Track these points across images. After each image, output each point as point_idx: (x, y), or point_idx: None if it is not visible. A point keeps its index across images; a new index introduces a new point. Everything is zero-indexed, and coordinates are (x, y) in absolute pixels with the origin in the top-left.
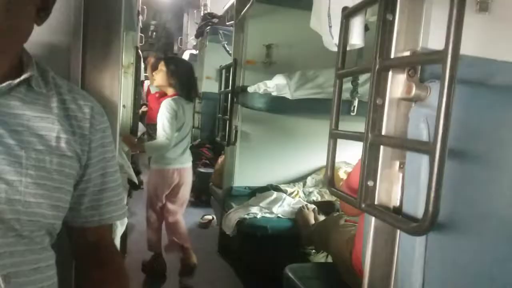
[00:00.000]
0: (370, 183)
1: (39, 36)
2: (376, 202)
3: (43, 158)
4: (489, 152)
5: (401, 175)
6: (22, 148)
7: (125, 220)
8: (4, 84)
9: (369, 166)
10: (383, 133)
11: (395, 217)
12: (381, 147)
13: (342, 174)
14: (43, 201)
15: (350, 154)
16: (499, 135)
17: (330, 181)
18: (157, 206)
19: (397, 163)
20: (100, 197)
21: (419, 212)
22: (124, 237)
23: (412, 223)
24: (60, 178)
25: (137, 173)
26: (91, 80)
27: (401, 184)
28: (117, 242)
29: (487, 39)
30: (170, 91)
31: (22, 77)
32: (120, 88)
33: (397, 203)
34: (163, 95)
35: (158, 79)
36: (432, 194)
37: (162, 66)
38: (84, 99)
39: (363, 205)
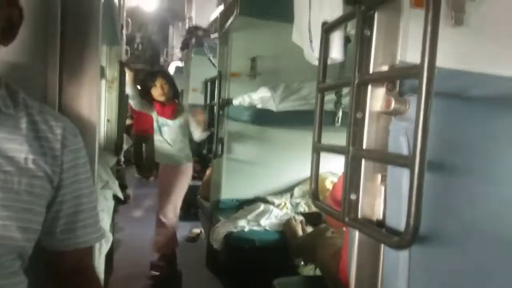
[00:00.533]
0: (353, 196)
1: (13, 56)
2: (359, 216)
3: (11, 179)
4: (470, 164)
5: (383, 188)
6: None
7: (110, 238)
8: None
9: (351, 179)
10: (364, 146)
11: (378, 231)
12: (363, 160)
13: (328, 184)
14: (10, 223)
15: (336, 165)
16: (478, 146)
17: (314, 194)
18: (179, 204)
19: (379, 176)
20: (75, 219)
21: (402, 225)
22: (110, 253)
23: (395, 237)
24: (30, 199)
25: (124, 187)
26: (69, 99)
27: (383, 197)
28: (102, 260)
29: (463, 52)
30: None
31: None
32: (100, 104)
33: (380, 216)
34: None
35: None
36: (413, 208)
37: (160, 81)
38: (56, 119)
39: (346, 219)
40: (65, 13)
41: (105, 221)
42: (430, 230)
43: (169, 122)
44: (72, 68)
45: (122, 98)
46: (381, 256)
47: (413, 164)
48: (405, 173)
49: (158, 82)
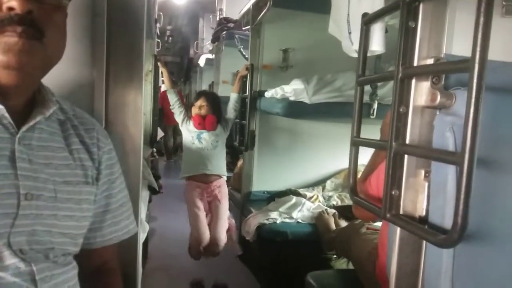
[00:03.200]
0: (395, 192)
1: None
2: (401, 212)
3: (73, 189)
4: None
5: (426, 184)
6: (54, 182)
7: (147, 227)
8: (38, 119)
9: (393, 175)
10: (407, 141)
11: (421, 228)
12: (405, 156)
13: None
14: (72, 232)
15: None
16: None
17: (352, 189)
18: None
19: (422, 172)
20: (103, 218)
21: (446, 223)
22: (145, 243)
23: (440, 235)
24: (87, 207)
25: (157, 178)
26: (115, 102)
27: (426, 194)
28: (140, 248)
29: None
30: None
31: (51, 110)
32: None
33: (423, 213)
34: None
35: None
36: (461, 206)
37: (203, 102)
38: (89, 122)
39: (388, 215)
40: (110, 18)
41: (142, 210)
42: (476, 229)
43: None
44: (118, 71)
45: (156, 91)
46: (423, 254)
47: (462, 161)
48: (451, 169)
49: (201, 98)
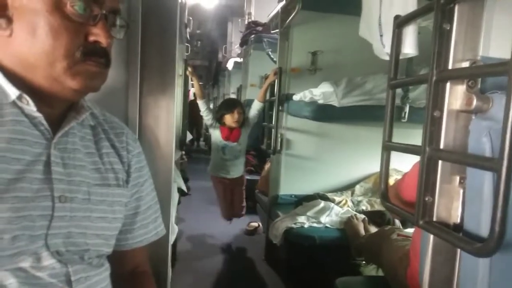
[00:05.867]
0: (428, 198)
1: None
2: (434, 219)
3: (106, 192)
4: None
5: (461, 190)
6: (88, 185)
7: (176, 229)
8: (72, 124)
9: (427, 181)
10: (441, 146)
11: (456, 236)
12: (439, 161)
13: (392, 182)
14: (105, 233)
15: (401, 163)
16: None
17: (383, 195)
18: None
19: (457, 178)
20: (133, 220)
21: (482, 231)
22: (174, 244)
23: (476, 243)
24: (119, 209)
25: (186, 180)
26: (148, 114)
27: (461, 200)
28: (169, 250)
29: None
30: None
31: (84, 116)
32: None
33: (458, 220)
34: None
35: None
36: (499, 213)
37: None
38: (119, 126)
39: (421, 222)
40: (144, 28)
41: (172, 213)
42: None
43: (232, 144)
44: (151, 83)
45: (186, 94)
46: (457, 263)
47: (500, 167)
48: (487, 175)
49: (236, 110)
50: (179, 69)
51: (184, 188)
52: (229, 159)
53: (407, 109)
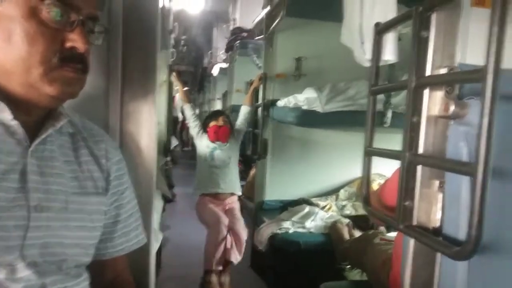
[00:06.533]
0: (408, 203)
1: None
2: (414, 223)
3: (84, 200)
4: None
5: (440, 195)
6: (66, 193)
7: (160, 236)
8: (49, 131)
9: (406, 185)
10: (420, 151)
11: (435, 239)
12: (419, 166)
13: (376, 187)
14: (84, 242)
15: (384, 167)
16: None
17: (365, 200)
18: None
19: (436, 183)
20: (113, 229)
21: (461, 234)
22: (159, 252)
23: (455, 247)
24: (98, 217)
25: (171, 186)
26: (130, 121)
27: (440, 205)
28: (153, 258)
29: None
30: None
31: (62, 123)
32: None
33: (437, 224)
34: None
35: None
36: (475, 218)
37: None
38: (98, 134)
39: (401, 226)
40: (125, 34)
41: (155, 220)
42: (491, 240)
43: (222, 145)
44: (133, 82)
45: (171, 101)
46: (437, 266)
47: (476, 171)
48: (464, 180)
49: (221, 117)
50: (163, 75)
51: (168, 195)
52: (219, 166)
53: (389, 114)
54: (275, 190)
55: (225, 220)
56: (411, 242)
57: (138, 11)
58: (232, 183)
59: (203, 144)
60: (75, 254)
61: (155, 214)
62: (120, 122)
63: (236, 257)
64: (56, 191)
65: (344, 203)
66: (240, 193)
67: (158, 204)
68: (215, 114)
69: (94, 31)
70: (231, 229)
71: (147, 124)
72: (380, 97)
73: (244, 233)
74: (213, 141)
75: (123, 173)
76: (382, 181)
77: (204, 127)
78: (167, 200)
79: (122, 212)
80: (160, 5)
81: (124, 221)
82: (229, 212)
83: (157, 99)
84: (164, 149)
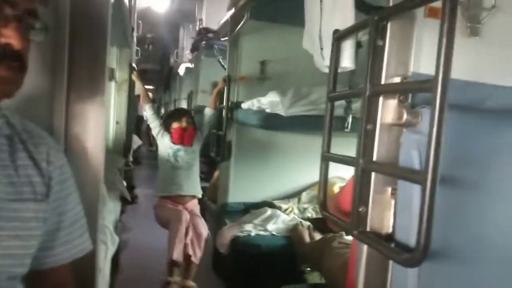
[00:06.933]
0: (362, 209)
1: None
2: (368, 229)
3: (20, 207)
4: (483, 178)
5: (393, 201)
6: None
7: (116, 240)
8: None
9: (360, 191)
10: (374, 158)
11: (386, 246)
12: (373, 172)
13: (337, 190)
14: (17, 252)
15: (345, 170)
16: (492, 160)
17: (322, 204)
18: None
19: (389, 189)
20: (54, 236)
21: (412, 240)
22: (116, 254)
23: (405, 254)
24: (36, 225)
25: (132, 187)
26: (76, 123)
27: (393, 211)
28: (108, 262)
29: (478, 63)
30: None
31: None
32: (109, 106)
33: (390, 230)
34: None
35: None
36: (424, 225)
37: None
38: (39, 136)
39: (355, 232)
40: (72, 31)
41: (111, 223)
42: (440, 247)
43: (187, 148)
44: (80, 82)
45: (132, 100)
46: (390, 271)
47: (425, 180)
48: (415, 187)
49: (184, 118)
50: (124, 73)
51: (127, 196)
52: (182, 167)
53: (349, 119)
54: (239, 193)
55: (186, 215)
56: (365, 248)
57: (87, 7)
58: (194, 185)
59: (166, 144)
60: (7, 265)
61: (112, 216)
62: (65, 124)
63: (196, 253)
64: None
65: (305, 205)
66: (200, 196)
67: (115, 206)
68: (178, 114)
69: (33, 27)
70: (192, 224)
71: (94, 126)
72: (342, 102)
73: (204, 230)
74: (176, 144)
75: (66, 177)
76: (343, 184)
77: (166, 126)
78: (127, 201)
79: (65, 218)
80: (112, 0)
81: (67, 228)
82: (189, 213)
83: (113, 99)
84: (124, 149)
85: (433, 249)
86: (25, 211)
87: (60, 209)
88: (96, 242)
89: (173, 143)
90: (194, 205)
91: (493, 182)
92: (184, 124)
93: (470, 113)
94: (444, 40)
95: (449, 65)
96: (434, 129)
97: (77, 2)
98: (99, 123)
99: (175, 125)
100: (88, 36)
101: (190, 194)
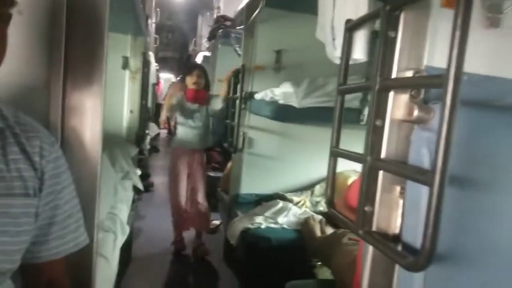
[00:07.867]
0: (368, 208)
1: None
2: (374, 228)
3: (10, 202)
4: (498, 179)
5: (401, 201)
6: None
7: (127, 229)
8: None
9: (367, 190)
10: (383, 156)
11: (392, 248)
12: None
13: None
14: (6, 248)
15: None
16: (507, 160)
17: (329, 201)
18: None
19: (398, 188)
20: (48, 231)
21: (419, 242)
22: (128, 244)
23: (409, 257)
24: (27, 221)
25: (146, 176)
26: (72, 107)
27: (401, 211)
28: (117, 252)
29: (497, 56)
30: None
31: None
32: (124, 95)
33: (396, 231)
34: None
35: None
36: (430, 229)
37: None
38: (33, 130)
39: (360, 232)
40: (69, 21)
41: (123, 212)
42: (448, 250)
43: (201, 109)
44: (77, 74)
45: (145, 89)
46: (395, 273)
47: (433, 183)
48: (424, 188)
49: (195, 72)
50: (137, 62)
51: (140, 186)
52: (199, 127)
53: (365, 111)
54: (251, 184)
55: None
56: (370, 248)
57: None
58: (206, 141)
59: (186, 108)
60: None
61: (123, 205)
62: (61, 117)
63: (199, 196)
64: None
65: (318, 199)
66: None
67: (128, 194)
68: (190, 68)
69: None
70: (192, 174)
71: (92, 119)
72: (358, 94)
73: (203, 202)
74: (192, 103)
75: (61, 171)
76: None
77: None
78: (141, 190)
79: (59, 213)
80: None
81: (61, 222)
82: (195, 162)
83: (127, 87)
84: (136, 138)
85: (441, 252)
86: (15, 206)
87: (54, 203)
88: (94, 237)
89: (189, 102)
90: (201, 154)
91: (507, 182)
92: (194, 78)
93: (488, 109)
94: (458, 32)
95: (462, 59)
96: (444, 128)
97: None
98: (97, 115)
99: (187, 80)
100: (86, 26)
101: (204, 148)
